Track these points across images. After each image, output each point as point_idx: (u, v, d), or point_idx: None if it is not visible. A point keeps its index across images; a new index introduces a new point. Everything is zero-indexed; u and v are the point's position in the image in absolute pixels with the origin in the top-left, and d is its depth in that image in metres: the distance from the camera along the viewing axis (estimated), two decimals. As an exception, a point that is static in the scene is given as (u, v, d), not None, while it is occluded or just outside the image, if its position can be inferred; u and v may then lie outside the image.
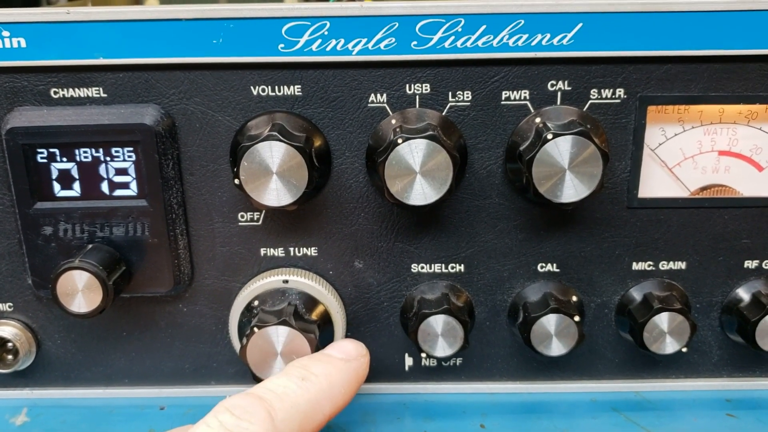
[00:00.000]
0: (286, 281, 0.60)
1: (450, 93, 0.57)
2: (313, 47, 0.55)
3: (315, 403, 0.52)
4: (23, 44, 0.55)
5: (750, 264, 0.63)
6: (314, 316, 0.60)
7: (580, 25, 0.55)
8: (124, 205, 0.59)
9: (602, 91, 0.57)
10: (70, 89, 0.57)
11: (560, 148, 0.53)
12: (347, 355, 0.56)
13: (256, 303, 0.60)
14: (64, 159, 0.58)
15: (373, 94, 0.57)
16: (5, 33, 0.55)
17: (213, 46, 0.55)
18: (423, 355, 0.60)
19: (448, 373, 0.66)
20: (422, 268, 0.63)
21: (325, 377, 0.53)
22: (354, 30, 0.55)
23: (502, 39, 0.55)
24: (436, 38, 0.55)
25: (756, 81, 0.57)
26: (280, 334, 0.56)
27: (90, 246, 0.59)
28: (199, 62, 0.56)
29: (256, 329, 0.56)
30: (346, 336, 0.63)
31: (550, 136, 0.53)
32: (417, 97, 0.57)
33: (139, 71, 0.57)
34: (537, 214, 0.61)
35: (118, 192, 0.59)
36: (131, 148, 0.57)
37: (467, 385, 0.66)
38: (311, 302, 0.60)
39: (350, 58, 0.56)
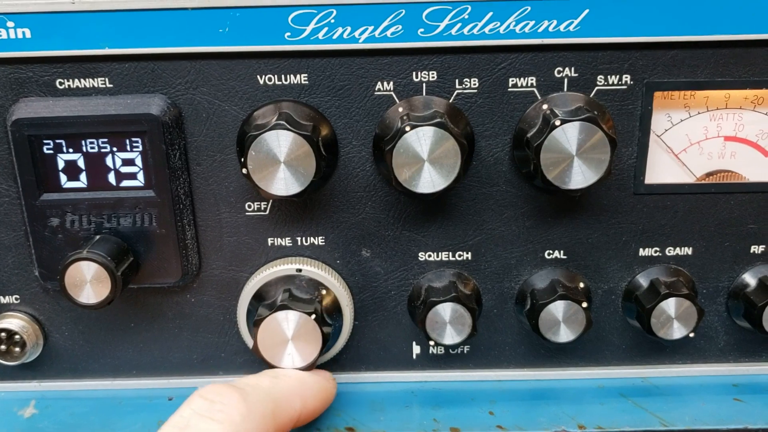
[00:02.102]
0: (299, 270, 0.60)
1: (457, 80, 0.57)
2: (320, 35, 0.55)
3: (287, 395, 0.55)
4: (28, 35, 0.55)
5: (756, 249, 0.63)
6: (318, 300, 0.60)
7: (587, 11, 0.55)
8: (131, 195, 0.58)
9: (609, 77, 0.57)
10: (76, 80, 0.57)
11: (568, 135, 0.53)
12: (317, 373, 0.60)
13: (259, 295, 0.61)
14: (71, 150, 0.57)
15: (379, 82, 0.57)
16: (10, 23, 0.55)
17: (219, 35, 0.55)
18: (431, 343, 0.60)
19: (456, 360, 0.66)
20: (429, 256, 0.63)
21: (296, 376, 0.57)
22: (361, 17, 0.54)
23: (508, 26, 0.55)
24: (442, 25, 0.55)
25: (762, 66, 0.57)
26: (289, 319, 0.56)
27: (97, 237, 0.58)
28: (205, 51, 0.55)
29: (259, 321, 0.57)
30: (354, 324, 0.64)
31: (557, 123, 0.53)
32: (424, 84, 0.57)
33: (145, 61, 0.56)
34: (544, 201, 0.61)
35: (125, 183, 0.58)
36: (138, 139, 0.57)
37: (475, 372, 0.66)
38: (318, 291, 0.60)
39: (357, 46, 0.55)
